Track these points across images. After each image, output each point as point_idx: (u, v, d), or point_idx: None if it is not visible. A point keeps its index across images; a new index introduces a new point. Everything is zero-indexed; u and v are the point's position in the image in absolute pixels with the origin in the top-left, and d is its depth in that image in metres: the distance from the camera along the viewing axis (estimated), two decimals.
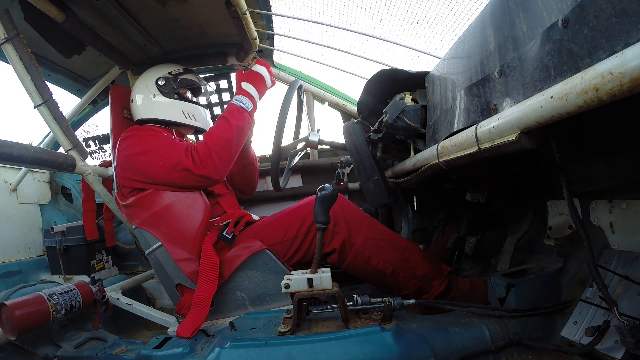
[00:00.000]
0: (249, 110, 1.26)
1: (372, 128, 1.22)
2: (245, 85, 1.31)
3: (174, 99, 1.46)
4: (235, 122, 1.21)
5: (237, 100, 1.28)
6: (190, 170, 1.17)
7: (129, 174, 1.24)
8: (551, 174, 1.05)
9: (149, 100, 1.44)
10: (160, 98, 1.44)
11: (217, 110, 2.19)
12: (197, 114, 1.50)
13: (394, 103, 1.04)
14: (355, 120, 1.30)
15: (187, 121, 1.47)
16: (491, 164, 1.15)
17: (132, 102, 1.48)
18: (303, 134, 1.51)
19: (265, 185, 2.03)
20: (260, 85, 1.34)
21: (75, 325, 1.35)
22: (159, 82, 1.45)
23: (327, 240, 1.19)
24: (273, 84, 1.39)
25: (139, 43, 1.74)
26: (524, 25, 0.56)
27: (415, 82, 1.08)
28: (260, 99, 1.33)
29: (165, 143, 1.24)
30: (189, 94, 1.56)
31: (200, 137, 2.31)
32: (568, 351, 0.77)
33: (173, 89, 1.46)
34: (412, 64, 1.78)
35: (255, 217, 1.38)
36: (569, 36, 0.46)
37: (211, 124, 1.61)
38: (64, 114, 1.51)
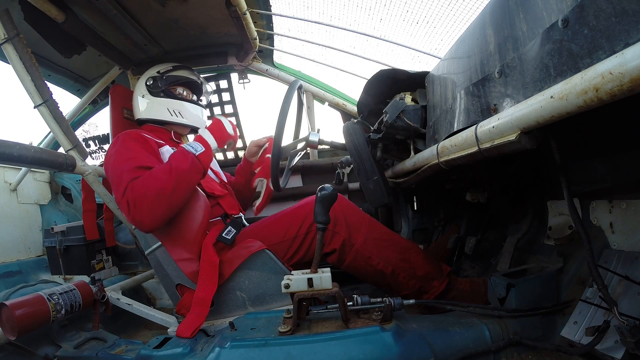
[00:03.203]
0: (196, 153, 1.16)
1: (372, 128, 1.22)
2: (203, 132, 1.25)
3: (160, 97, 1.46)
4: (176, 165, 1.11)
5: (187, 144, 1.21)
6: (126, 213, 1.06)
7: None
8: (551, 174, 1.05)
9: (140, 101, 1.47)
10: (149, 98, 1.46)
11: (217, 111, 2.19)
12: (183, 111, 1.47)
13: (394, 103, 1.04)
14: (355, 120, 1.30)
15: (174, 119, 1.46)
16: (491, 164, 1.15)
17: (132, 103, 1.51)
18: (303, 134, 1.51)
19: None
20: (220, 132, 1.26)
21: (75, 325, 1.35)
22: (148, 83, 1.46)
23: (327, 240, 1.18)
24: (235, 134, 1.31)
25: (139, 43, 1.74)
26: (524, 25, 0.56)
27: (415, 82, 1.08)
28: (218, 145, 1.24)
29: (120, 170, 1.12)
30: (182, 92, 1.52)
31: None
32: (568, 351, 0.77)
33: (159, 87, 1.46)
34: (412, 64, 1.78)
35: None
36: (569, 36, 0.46)
37: (205, 120, 1.60)
38: (64, 114, 1.51)
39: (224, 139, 1.26)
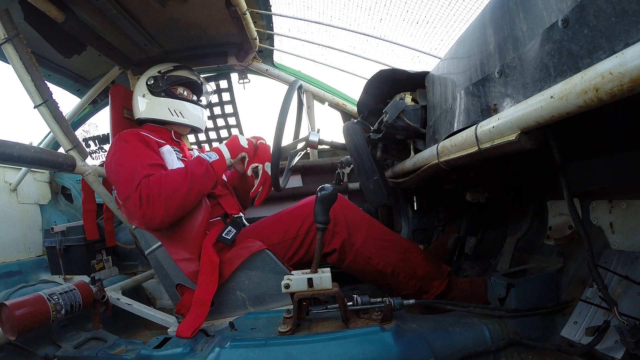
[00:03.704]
0: (210, 161, 1.22)
1: (372, 128, 1.22)
2: (220, 145, 1.32)
3: (160, 97, 1.45)
4: (192, 169, 1.16)
5: (204, 153, 1.27)
6: (137, 207, 1.08)
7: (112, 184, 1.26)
8: (551, 174, 1.05)
9: (141, 101, 1.46)
10: (149, 97, 1.45)
11: (217, 110, 2.19)
12: (184, 111, 1.47)
13: (394, 103, 1.04)
14: (355, 120, 1.30)
15: (175, 118, 1.45)
16: (491, 164, 1.15)
17: (132, 103, 1.50)
18: (303, 134, 1.51)
19: None
20: (233, 144, 1.32)
21: (75, 325, 1.35)
22: (148, 82, 1.46)
23: (327, 240, 1.18)
24: (250, 148, 1.34)
25: (139, 43, 1.74)
26: (524, 25, 0.56)
27: (415, 82, 1.08)
28: (231, 155, 1.29)
29: (131, 165, 1.15)
30: (182, 91, 1.52)
31: (200, 136, 2.33)
32: (568, 351, 0.77)
33: (160, 87, 1.45)
34: (412, 64, 1.78)
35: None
36: (569, 36, 0.46)
37: (205, 120, 1.61)
38: (64, 114, 1.51)
39: (237, 151, 1.32)
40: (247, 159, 1.35)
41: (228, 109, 2.18)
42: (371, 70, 1.81)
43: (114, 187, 1.29)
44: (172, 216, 1.11)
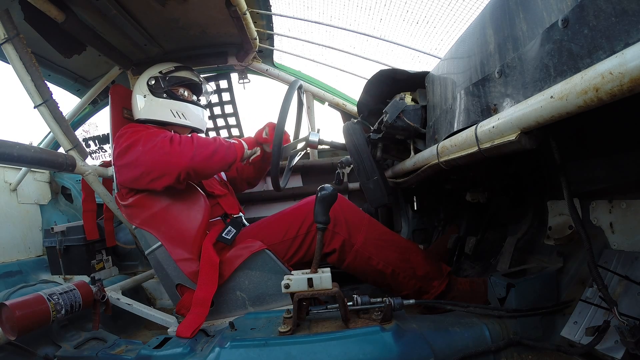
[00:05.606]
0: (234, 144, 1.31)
1: (372, 128, 1.22)
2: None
3: (162, 98, 1.44)
4: (219, 140, 1.27)
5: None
6: (164, 147, 1.16)
7: (120, 169, 1.26)
8: (551, 174, 1.05)
9: (141, 101, 1.45)
10: (150, 98, 1.44)
11: (217, 110, 2.19)
12: (186, 113, 1.47)
13: (394, 103, 1.04)
14: (355, 120, 1.30)
15: (177, 120, 1.45)
16: (491, 164, 1.15)
17: (132, 102, 1.49)
18: (303, 134, 1.51)
19: (265, 185, 2.04)
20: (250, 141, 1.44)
21: (75, 325, 1.35)
22: (150, 82, 1.45)
23: (327, 240, 1.19)
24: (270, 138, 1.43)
25: (139, 43, 1.74)
26: (524, 25, 0.56)
27: (415, 82, 1.08)
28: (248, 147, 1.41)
29: (150, 132, 1.26)
30: (183, 92, 1.52)
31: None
32: (568, 351, 0.77)
33: (162, 87, 1.44)
34: (412, 64, 1.78)
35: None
36: (569, 36, 0.46)
37: (206, 122, 1.61)
38: (64, 114, 1.51)
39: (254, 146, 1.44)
40: (256, 154, 1.43)
41: (228, 109, 2.18)
42: (371, 70, 1.81)
43: (128, 157, 1.22)
44: (198, 165, 1.18)
